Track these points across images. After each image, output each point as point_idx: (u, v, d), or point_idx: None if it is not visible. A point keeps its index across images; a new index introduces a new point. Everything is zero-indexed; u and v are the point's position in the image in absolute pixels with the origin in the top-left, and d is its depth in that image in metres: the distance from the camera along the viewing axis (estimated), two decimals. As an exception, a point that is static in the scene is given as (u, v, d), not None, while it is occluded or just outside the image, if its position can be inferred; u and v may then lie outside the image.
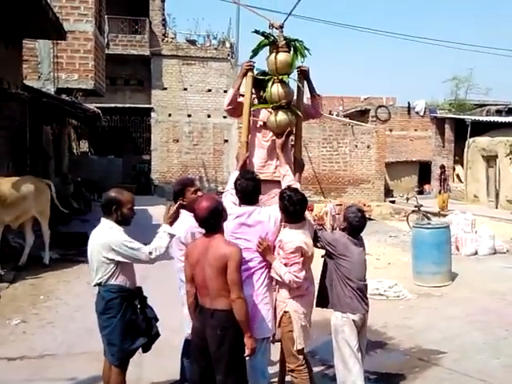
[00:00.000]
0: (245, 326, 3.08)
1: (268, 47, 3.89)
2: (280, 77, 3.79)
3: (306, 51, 3.84)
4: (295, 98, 3.97)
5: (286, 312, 3.52)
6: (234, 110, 4.07)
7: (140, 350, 3.52)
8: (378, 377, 4.39)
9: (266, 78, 3.88)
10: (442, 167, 17.70)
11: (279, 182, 3.85)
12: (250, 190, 3.53)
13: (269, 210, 3.60)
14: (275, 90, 3.79)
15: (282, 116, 3.81)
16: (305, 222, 3.59)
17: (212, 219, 3.13)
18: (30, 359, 4.74)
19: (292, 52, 3.82)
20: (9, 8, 7.60)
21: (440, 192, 16.58)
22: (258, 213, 3.54)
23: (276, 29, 3.88)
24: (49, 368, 4.52)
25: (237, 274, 3.04)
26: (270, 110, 3.92)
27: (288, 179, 3.76)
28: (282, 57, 3.78)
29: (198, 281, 3.16)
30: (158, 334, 3.57)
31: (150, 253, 3.31)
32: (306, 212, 3.68)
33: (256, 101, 4.08)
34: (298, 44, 3.82)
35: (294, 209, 3.47)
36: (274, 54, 3.80)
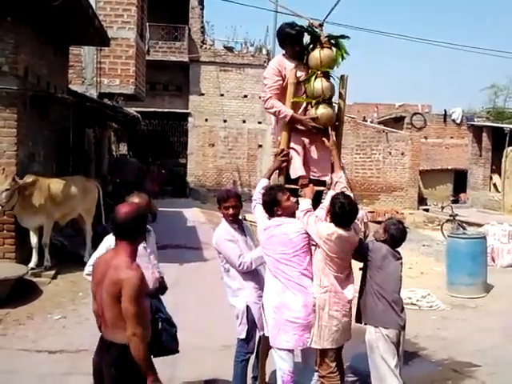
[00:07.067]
0: (145, 368, 2.50)
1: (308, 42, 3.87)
2: (323, 69, 3.74)
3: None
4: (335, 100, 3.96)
5: (313, 306, 3.40)
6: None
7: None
8: (409, 387, 4.35)
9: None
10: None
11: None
12: (269, 202, 3.48)
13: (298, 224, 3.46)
14: (319, 84, 3.73)
15: (323, 109, 3.75)
16: (349, 229, 3.40)
17: (128, 228, 2.66)
18: (68, 353, 4.93)
19: (336, 49, 3.80)
20: (58, 17, 7.94)
21: None
22: (286, 225, 3.43)
23: (316, 28, 3.85)
24: (85, 362, 4.67)
25: (132, 305, 2.47)
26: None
27: (340, 186, 3.60)
28: (327, 52, 3.74)
29: (98, 304, 2.70)
30: (164, 350, 3.26)
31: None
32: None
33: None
34: (341, 41, 3.81)
35: (343, 219, 3.33)
36: (318, 50, 3.76)
